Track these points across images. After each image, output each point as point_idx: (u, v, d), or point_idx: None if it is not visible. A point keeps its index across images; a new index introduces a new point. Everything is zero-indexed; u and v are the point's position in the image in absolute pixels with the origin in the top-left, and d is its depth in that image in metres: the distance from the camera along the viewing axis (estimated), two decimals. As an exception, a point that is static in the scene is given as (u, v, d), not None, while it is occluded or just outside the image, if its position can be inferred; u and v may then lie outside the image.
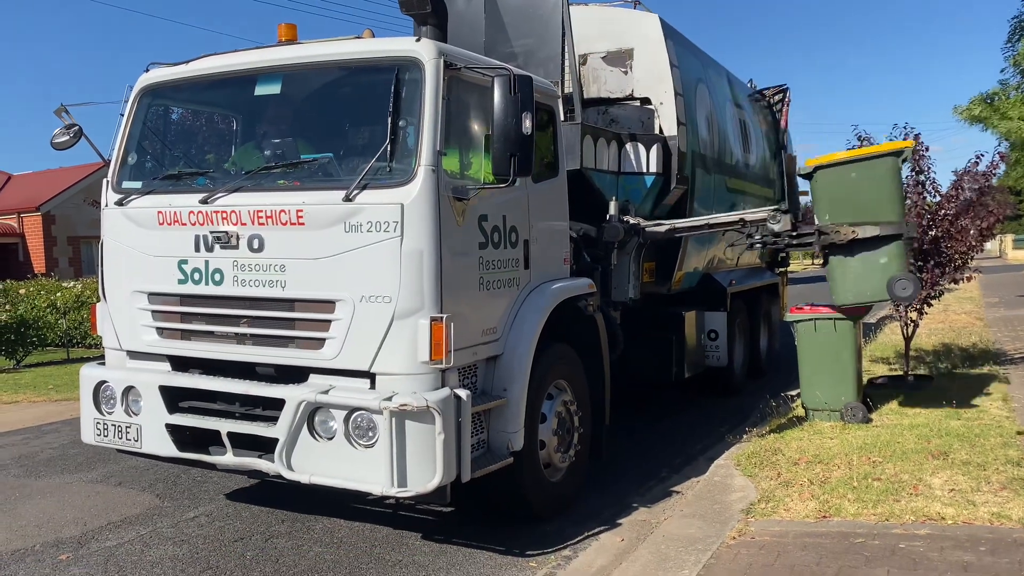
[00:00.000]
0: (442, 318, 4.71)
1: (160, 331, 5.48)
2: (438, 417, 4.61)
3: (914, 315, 10.17)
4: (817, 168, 7.60)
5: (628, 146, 8.21)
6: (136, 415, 5.45)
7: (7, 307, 15.18)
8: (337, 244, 4.85)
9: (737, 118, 11.01)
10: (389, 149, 4.84)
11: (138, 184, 5.70)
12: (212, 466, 5.44)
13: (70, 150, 5.91)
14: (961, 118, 18.40)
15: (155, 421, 5.36)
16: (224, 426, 5.15)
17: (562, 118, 7.06)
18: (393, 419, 4.61)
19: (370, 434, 4.72)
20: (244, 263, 5.11)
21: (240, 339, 5.20)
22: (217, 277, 5.20)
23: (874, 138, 10.21)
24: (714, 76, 10.33)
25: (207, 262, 5.23)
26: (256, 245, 5.07)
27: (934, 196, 10.26)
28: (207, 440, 5.28)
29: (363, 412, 4.73)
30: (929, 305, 10.26)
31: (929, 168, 10.03)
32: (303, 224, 4.94)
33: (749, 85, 12.51)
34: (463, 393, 4.85)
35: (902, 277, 7.25)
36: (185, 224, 5.28)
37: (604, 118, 8.78)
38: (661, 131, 8.59)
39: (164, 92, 5.81)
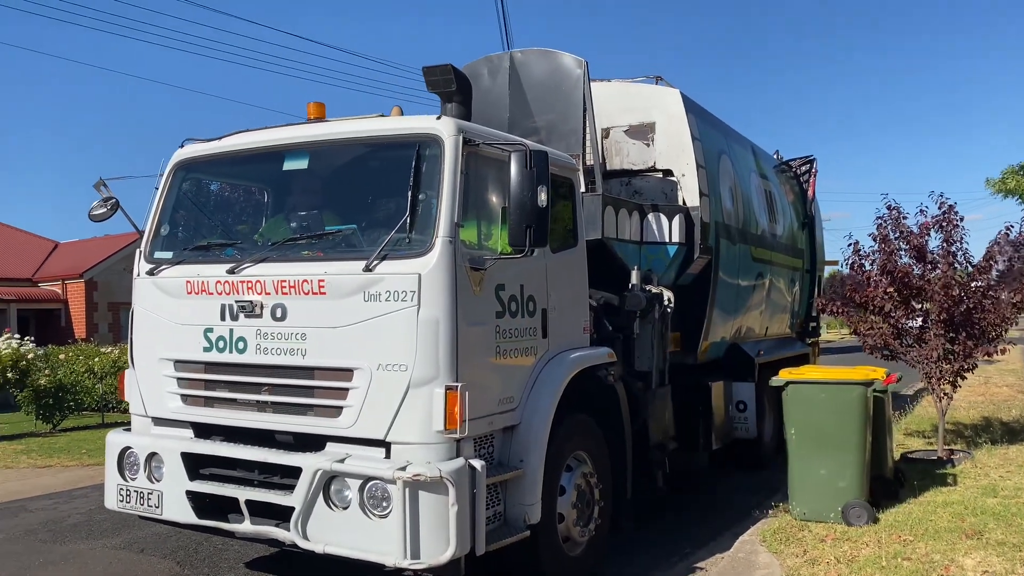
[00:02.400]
0: (457, 387, 4.75)
1: (184, 398, 5.59)
2: (451, 488, 4.62)
3: (947, 387, 9.98)
4: (788, 383, 7.61)
5: (650, 216, 8.30)
6: (158, 481, 5.52)
7: (47, 372, 15.52)
8: (356, 313, 4.95)
9: (762, 189, 11.08)
10: (409, 221, 4.97)
11: (169, 254, 5.89)
12: (231, 534, 5.46)
13: (110, 221, 6.14)
14: (994, 191, 18.25)
15: (176, 487, 5.42)
16: (242, 494, 5.19)
17: (583, 189, 7.20)
18: (406, 489, 4.62)
19: (384, 504, 4.73)
20: (267, 331, 5.22)
21: (261, 407, 5.28)
22: (241, 345, 5.31)
23: (902, 207, 10.20)
24: (737, 148, 10.45)
25: (231, 330, 5.35)
26: (279, 314, 5.19)
27: (966, 267, 10.17)
28: (226, 507, 5.31)
29: (377, 482, 4.75)
30: (963, 378, 10.06)
31: (962, 239, 9.95)
32: (324, 293, 5.05)
33: (775, 156, 12.61)
34: (478, 463, 4.86)
35: (856, 504, 7.06)
36: (212, 293, 5.42)
37: (627, 189, 8.90)
38: (684, 202, 8.67)
39: (197, 167, 6.04)
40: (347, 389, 4.96)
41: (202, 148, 5.98)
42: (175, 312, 5.60)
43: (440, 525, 4.64)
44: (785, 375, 7.82)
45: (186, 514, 5.40)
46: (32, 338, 17.35)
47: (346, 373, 4.97)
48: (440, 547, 4.64)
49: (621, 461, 6.55)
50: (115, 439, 5.79)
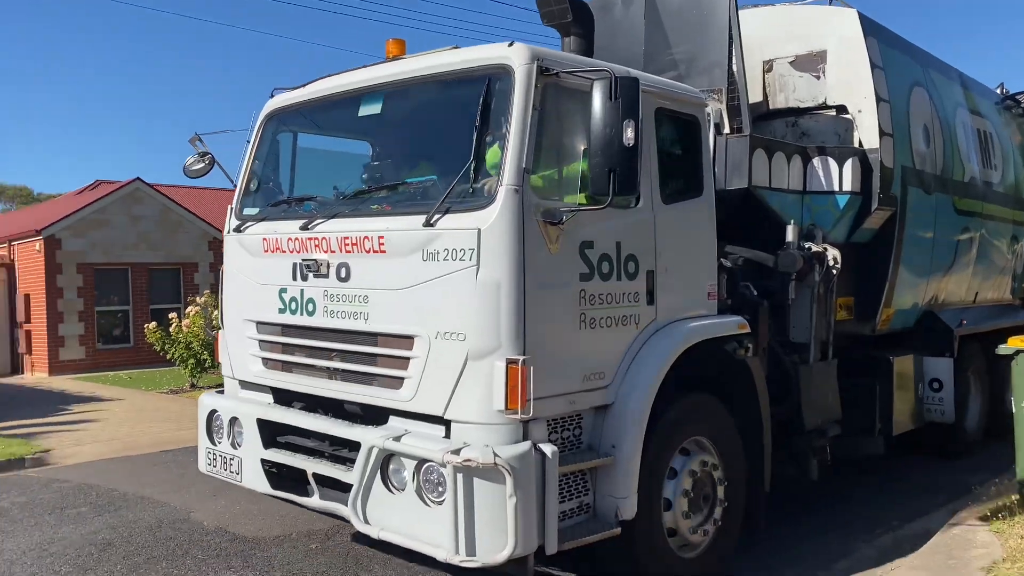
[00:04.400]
0: (520, 360, 4.07)
1: (265, 361, 5.32)
2: (509, 477, 3.97)
3: None
4: (1019, 351, 6.35)
5: (816, 161, 7.05)
6: (239, 447, 5.32)
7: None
8: (416, 274, 4.39)
9: (974, 128, 9.28)
10: (473, 168, 4.32)
11: (256, 211, 5.62)
12: (304, 506, 5.16)
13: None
14: None
15: (253, 455, 5.19)
16: (310, 466, 4.85)
17: (726, 129, 6.21)
18: (459, 475, 4.04)
19: (440, 490, 4.18)
20: (333, 293, 4.80)
21: (331, 374, 4.88)
22: (310, 307, 4.94)
23: None
24: (938, 79, 8.76)
25: (302, 291, 4.99)
26: (343, 274, 4.75)
27: None
28: (300, 479, 5.00)
29: (432, 464, 4.20)
30: None
31: None
32: (384, 252, 4.54)
33: (998, 91, 10.60)
34: (548, 449, 4.17)
35: None
36: (284, 251, 5.08)
37: (793, 131, 7.67)
38: (860, 143, 7.33)
39: (285, 117, 5.71)
40: (408, 358, 4.43)
41: (288, 97, 5.63)
42: (256, 271, 5.33)
43: (498, 518, 4.02)
44: (1016, 343, 6.61)
45: (261, 483, 5.15)
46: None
47: (406, 340, 4.43)
48: (498, 543, 4.03)
49: (757, 449, 5.59)
50: (205, 401, 5.65)
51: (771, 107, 7.86)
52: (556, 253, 4.35)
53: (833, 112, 7.61)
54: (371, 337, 4.61)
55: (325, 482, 4.80)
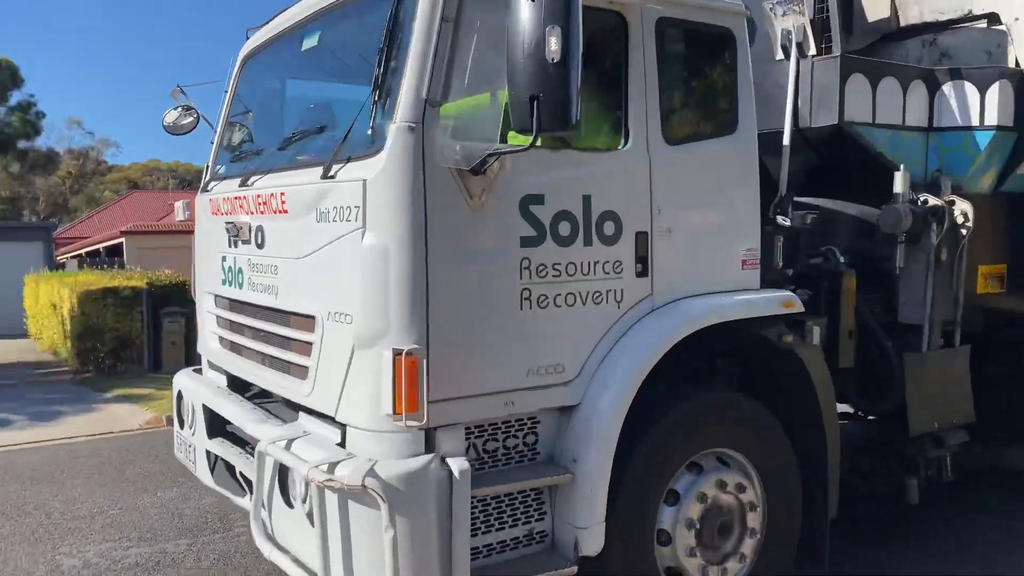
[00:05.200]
0: (409, 351, 3.12)
1: (220, 340, 4.69)
2: (383, 504, 3.05)
3: None
4: None
5: (946, 88, 5.39)
6: (193, 434, 4.75)
7: None
8: (312, 239, 3.53)
9: None
10: (372, 104, 3.37)
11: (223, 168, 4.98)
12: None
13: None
14: None
15: (200, 444, 4.60)
16: (239, 463, 4.18)
17: (811, 50, 4.86)
18: (330, 497, 3.18)
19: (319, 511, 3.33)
20: (255, 262, 4.06)
21: (262, 358, 4.16)
22: (240, 279, 4.23)
23: None
24: None
25: (235, 259, 4.29)
26: (260, 240, 3.99)
27: None
28: (235, 476, 4.35)
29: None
30: None
31: None
32: (287, 212, 3.72)
33: None
34: (457, 465, 3.20)
35: None
36: (221, 213, 4.40)
37: (931, 51, 6.00)
38: (1019, 63, 5.56)
39: (256, 60, 4.99)
40: (310, 344, 3.60)
41: (257, 37, 4.90)
42: (209, 236, 4.69)
43: (374, 555, 3.12)
44: None
45: (206, 475, 4.55)
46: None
47: (308, 321, 3.59)
48: (379, 585, 3.13)
49: (820, 463, 4.28)
50: (176, 379, 5.13)
51: (901, 23, 6.20)
52: (481, 211, 3.32)
53: (983, 23, 5.85)
54: (284, 316, 3.82)
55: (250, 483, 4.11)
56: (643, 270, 3.76)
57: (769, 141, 5.00)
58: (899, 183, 4.97)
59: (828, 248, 4.95)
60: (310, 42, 4.17)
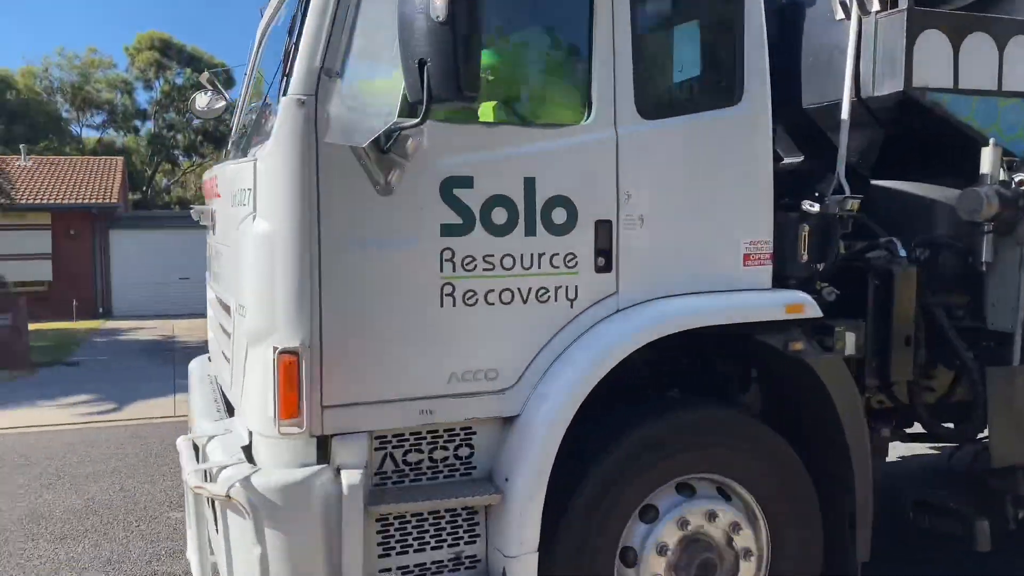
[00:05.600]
0: (294, 349, 2.81)
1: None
2: (248, 518, 2.77)
3: None
4: None
5: (1013, 44, 4.41)
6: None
7: None
8: (231, 224, 3.30)
9: None
10: (281, 78, 3.08)
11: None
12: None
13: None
14: None
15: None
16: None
17: (875, 6, 4.17)
18: (208, 505, 2.94)
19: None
20: (213, 249, 3.91)
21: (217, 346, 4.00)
22: (208, 264, 4.10)
23: None
24: None
25: (208, 246, 4.16)
26: (214, 226, 3.82)
27: None
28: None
29: None
30: None
31: None
32: (220, 196, 3.52)
33: None
34: (349, 478, 2.86)
35: None
36: (208, 198, 4.28)
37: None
38: None
39: (269, 37, 4.82)
40: (230, 335, 3.37)
41: (266, 14, 4.73)
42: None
43: (250, 570, 2.85)
44: None
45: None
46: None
47: (227, 312, 3.38)
48: (259, 610, 2.85)
49: (847, 495, 3.60)
50: (190, 366, 5.08)
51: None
52: (391, 195, 2.95)
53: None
54: (223, 305, 3.63)
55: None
56: (606, 264, 3.25)
57: (831, 115, 4.31)
58: (986, 161, 4.11)
59: (888, 239, 4.17)
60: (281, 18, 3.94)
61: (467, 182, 3.03)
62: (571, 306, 3.21)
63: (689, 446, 3.36)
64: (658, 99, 3.37)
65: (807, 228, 3.73)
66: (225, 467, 2.92)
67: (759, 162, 3.50)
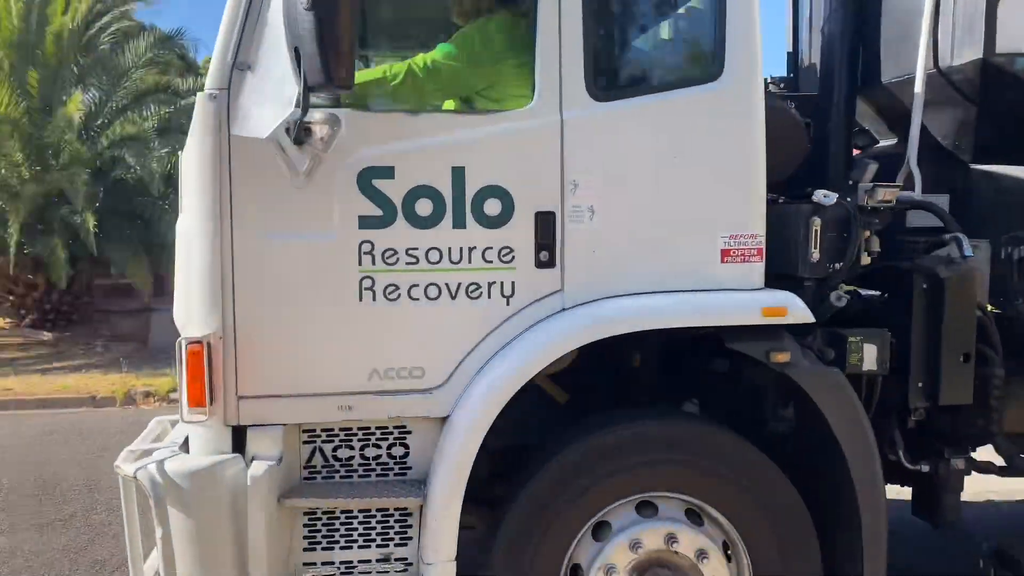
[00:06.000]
0: (198, 339, 2.85)
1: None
2: (150, 498, 2.85)
3: None
4: None
5: None
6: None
7: None
8: None
9: None
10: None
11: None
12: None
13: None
14: None
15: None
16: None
17: None
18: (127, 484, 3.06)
19: None
20: None
21: None
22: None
23: None
24: None
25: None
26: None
27: None
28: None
29: None
30: None
31: None
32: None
33: None
34: (253, 469, 2.86)
35: None
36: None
37: None
38: None
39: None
40: None
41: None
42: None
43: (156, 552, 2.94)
44: None
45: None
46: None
47: None
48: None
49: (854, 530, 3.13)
50: None
51: None
52: (306, 187, 2.91)
53: None
54: None
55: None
56: (549, 260, 3.01)
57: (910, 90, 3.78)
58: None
59: (954, 236, 3.55)
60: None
61: (388, 172, 2.93)
62: (507, 303, 3.01)
63: (640, 461, 3.05)
64: (615, 78, 3.07)
65: (818, 222, 3.24)
66: (154, 451, 3.03)
67: (744, 146, 3.09)
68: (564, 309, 3.03)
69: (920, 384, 3.38)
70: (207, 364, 2.83)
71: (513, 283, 3.01)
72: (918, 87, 3.78)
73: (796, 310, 3.03)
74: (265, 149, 2.86)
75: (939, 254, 3.57)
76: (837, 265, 3.28)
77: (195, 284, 2.90)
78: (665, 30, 3.27)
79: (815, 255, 3.24)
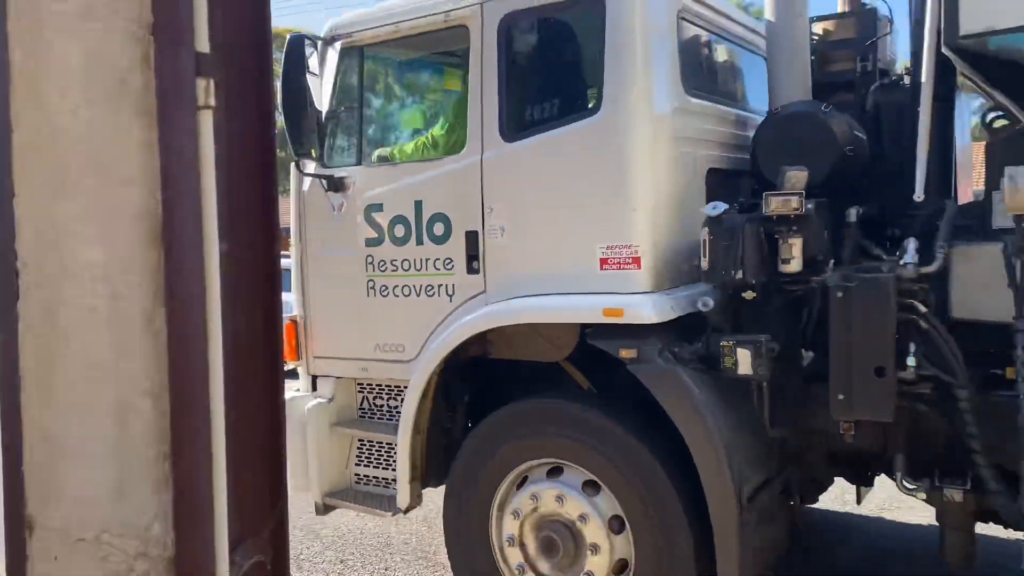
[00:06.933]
0: (293, 318, 4.51)
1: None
2: None
3: None
4: None
5: None
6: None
7: None
8: None
9: None
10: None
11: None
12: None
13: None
14: None
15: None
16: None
17: None
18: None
19: None
20: None
21: None
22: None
23: None
24: None
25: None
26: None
27: None
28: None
29: None
30: None
31: None
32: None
33: None
34: (309, 402, 4.43)
35: None
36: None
37: None
38: None
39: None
40: None
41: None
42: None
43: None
44: None
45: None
46: None
47: None
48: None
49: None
50: None
51: None
52: (341, 219, 4.35)
53: None
54: None
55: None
56: (476, 268, 3.93)
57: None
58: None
59: (908, 240, 3.35)
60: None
61: (379, 207, 4.20)
62: (450, 300, 4.02)
63: (536, 430, 3.75)
64: (519, 122, 3.79)
65: (705, 231, 3.49)
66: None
67: (620, 168, 3.54)
68: (487, 305, 3.90)
69: (840, 397, 3.31)
70: (296, 334, 4.48)
71: (453, 285, 4.00)
72: (924, 75, 3.50)
73: (633, 311, 3.40)
74: (319, 193, 4.39)
75: (891, 261, 3.35)
76: (735, 273, 3.44)
77: (294, 283, 4.58)
78: (559, 78, 3.82)
79: (704, 263, 3.48)
